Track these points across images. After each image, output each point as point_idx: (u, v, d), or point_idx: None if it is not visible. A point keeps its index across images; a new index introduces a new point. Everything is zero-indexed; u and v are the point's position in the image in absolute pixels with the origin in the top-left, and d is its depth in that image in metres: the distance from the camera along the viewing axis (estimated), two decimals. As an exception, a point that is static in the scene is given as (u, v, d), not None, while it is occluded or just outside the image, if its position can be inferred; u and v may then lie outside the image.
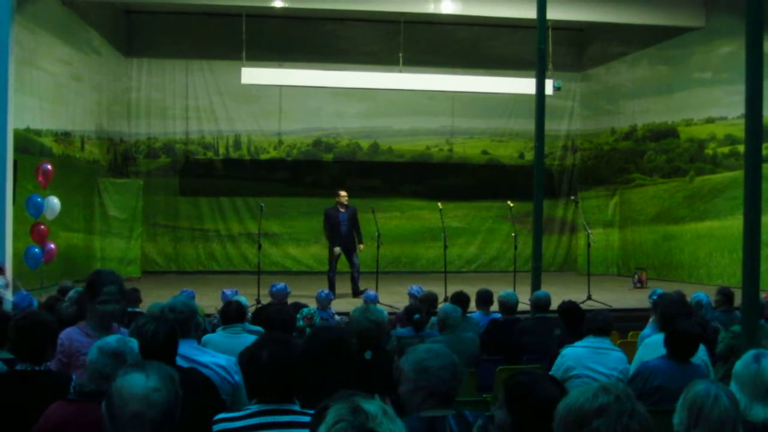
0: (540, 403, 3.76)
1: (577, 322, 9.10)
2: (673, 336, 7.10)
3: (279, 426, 4.46)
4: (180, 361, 5.57)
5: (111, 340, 4.80)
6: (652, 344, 8.00)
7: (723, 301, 11.39)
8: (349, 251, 17.82)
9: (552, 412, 3.57)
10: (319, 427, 2.68)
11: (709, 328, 9.32)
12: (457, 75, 21.62)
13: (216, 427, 4.52)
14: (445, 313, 9.07)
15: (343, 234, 17.73)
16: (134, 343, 4.87)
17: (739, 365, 4.95)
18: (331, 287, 17.13)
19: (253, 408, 4.56)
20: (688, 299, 11.17)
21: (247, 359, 4.77)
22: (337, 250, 17.80)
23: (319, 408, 3.63)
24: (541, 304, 10.63)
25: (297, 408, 4.57)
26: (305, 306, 11.51)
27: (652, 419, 2.91)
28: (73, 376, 5.58)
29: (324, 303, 12.27)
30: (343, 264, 17.90)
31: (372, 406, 2.66)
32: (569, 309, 10.00)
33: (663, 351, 7.30)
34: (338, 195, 17.99)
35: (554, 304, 10.75)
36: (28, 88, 17.20)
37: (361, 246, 17.99)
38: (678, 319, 7.42)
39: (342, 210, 17.81)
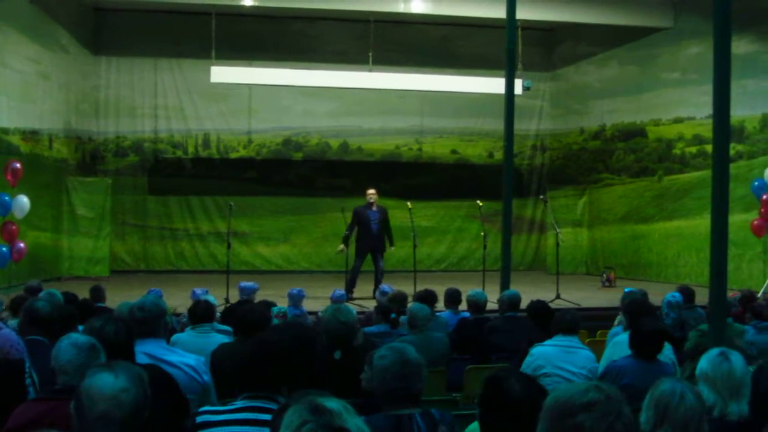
0: (504, 401, 3.77)
1: (546, 321, 9.13)
2: (637, 335, 7.13)
3: (262, 424, 4.45)
4: (149, 361, 5.58)
5: (78, 336, 4.81)
6: (620, 343, 8.05)
7: (684, 299, 11.51)
8: (377, 253, 17.48)
9: (516, 410, 3.61)
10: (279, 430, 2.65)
11: (685, 327, 9.41)
12: (427, 74, 21.59)
13: (198, 419, 4.52)
14: (413, 313, 9.08)
15: (374, 233, 17.34)
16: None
17: (706, 365, 4.96)
18: (351, 287, 17.09)
19: (239, 403, 4.55)
20: (660, 299, 11.29)
21: (233, 356, 4.79)
22: (341, 247, 17.38)
23: (279, 409, 3.63)
24: (511, 303, 10.66)
25: None
26: (274, 304, 11.49)
27: (636, 424, 2.92)
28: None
29: (296, 300, 12.29)
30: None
31: (331, 402, 2.64)
32: (538, 308, 10.05)
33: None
34: (366, 194, 17.69)
35: (523, 303, 10.80)
36: (-5, 86, 17.13)
37: (392, 248, 17.72)
38: (641, 318, 7.47)
39: (373, 209, 17.47)
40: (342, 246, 17.45)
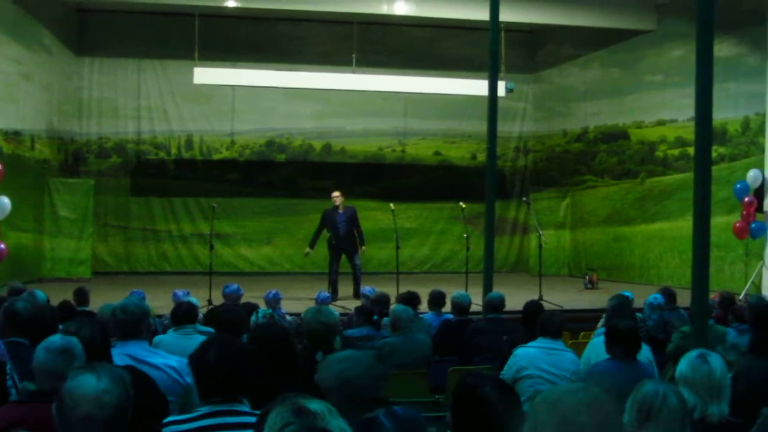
0: (480, 408, 3.76)
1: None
2: (611, 335, 7.14)
3: (229, 427, 4.47)
4: (131, 363, 5.58)
5: (55, 339, 4.79)
6: (596, 344, 8.12)
7: (666, 301, 11.56)
8: (350, 253, 17.65)
9: (492, 417, 3.61)
10: None
11: (668, 329, 9.46)
12: (410, 76, 21.63)
13: (165, 430, 4.52)
14: (396, 315, 9.09)
15: (341, 235, 17.51)
16: (77, 342, 4.84)
17: (686, 368, 4.97)
18: (333, 290, 17.20)
19: (203, 410, 4.56)
20: (643, 300, 11.34)
21: (194, 361, 4.79)
22: (307, 250, 17.72)
23: (264, 411, 3.62)
24: (494, 305, 10.67)
25: (246, 408, 4.59)
26: (257, 306, 11.48)
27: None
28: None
29: (272, 304, 12.24)
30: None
31: (315, 404, 2.64)
32: (535, 310, 10.07)
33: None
34: (331, 196, 17.82)
35: (507, 305, 10.82)
36: (-23, 86, 17.06)
37: (363, 248, 17.89)
38: (614, 319, 7.48)
39: (340, 211, 17.61)
40: (308, 249, 17.90)
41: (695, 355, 5.03)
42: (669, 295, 11.57)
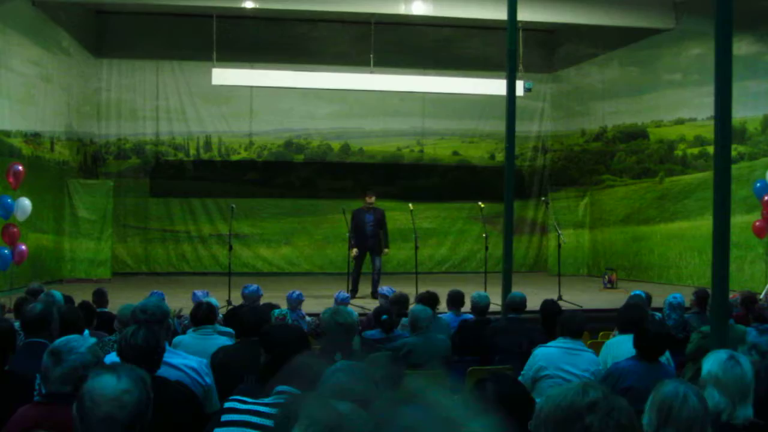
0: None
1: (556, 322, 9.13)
2: (643, 337, 7.12)
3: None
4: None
5: (60, 340, 4.83)
6: (611, 345, 8.10)
7: (695, 303, 11.44)
8: (373, 253, 17.92)
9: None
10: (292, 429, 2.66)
11: (687, 329, 9.41)
12: (428, 76, 21.65)
13: (227, 404, 4.66)
14: (415, 315, 9.07)
15: (367, 234, 17.82)
16: (82, 342, 4.83)
17: (715, 368, 4.89)
18: (353, 287, 17.47)
19: (269, 399, 4.64)
20: (662, 300, 11.26)
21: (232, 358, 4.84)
22: (354, 251, 17.87)
23: (281, 410, 3.63)
24: (516, 305, 10.64)
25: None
26: (277, 306, 11.48)
27: (638, 424, 2.91)
28: (37, 376, 5.59)
29: (294, 304, 12.24)
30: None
31: (343, 405, 2.66)
32: (552, 310, 10.05)
33: (621, 352, 7.37)
34: (365, 197, 18.11)
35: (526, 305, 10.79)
36: (-3, 88, 17.12)
37: (386, 250, 18.17)
38: (647, 321, 7.45)
39: (369, 211, 17.87)
40: (354, 250, 17.92)
41: (725, 356, 4.95)
42: (701, 297, 11.37)
